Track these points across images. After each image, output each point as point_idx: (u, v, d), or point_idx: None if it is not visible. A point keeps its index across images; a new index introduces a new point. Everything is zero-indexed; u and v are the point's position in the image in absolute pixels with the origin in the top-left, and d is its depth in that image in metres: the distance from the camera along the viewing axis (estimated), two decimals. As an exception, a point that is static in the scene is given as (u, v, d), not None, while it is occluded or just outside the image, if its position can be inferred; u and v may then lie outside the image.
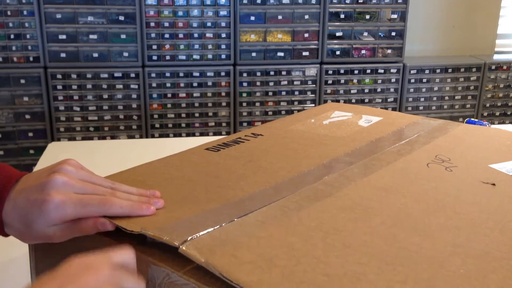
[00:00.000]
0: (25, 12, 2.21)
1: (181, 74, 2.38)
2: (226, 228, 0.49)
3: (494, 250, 0.46)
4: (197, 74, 2.39)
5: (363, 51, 2.53)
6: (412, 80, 2.61)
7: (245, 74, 2.44)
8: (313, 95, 2.52)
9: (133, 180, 0.61)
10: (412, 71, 2.60)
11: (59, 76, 2.28)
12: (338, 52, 2.51)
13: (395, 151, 0.71)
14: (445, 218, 0.52)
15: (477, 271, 0.43)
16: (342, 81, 2.53)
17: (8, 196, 0.53)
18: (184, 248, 0.45)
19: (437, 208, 0.54)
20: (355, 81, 2.55)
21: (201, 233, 0.47)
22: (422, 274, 0.42)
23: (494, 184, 0.61)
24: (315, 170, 0.64)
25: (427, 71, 2.61)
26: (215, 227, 0.48)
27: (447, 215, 0.53)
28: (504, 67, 2.70)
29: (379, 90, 2.58)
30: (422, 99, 2.64)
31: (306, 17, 2.42)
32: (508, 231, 0.50)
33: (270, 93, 2.48)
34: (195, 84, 2.40)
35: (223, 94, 2.44)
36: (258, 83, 2.46)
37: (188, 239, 0.46)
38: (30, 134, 2.31)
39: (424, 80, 2.62)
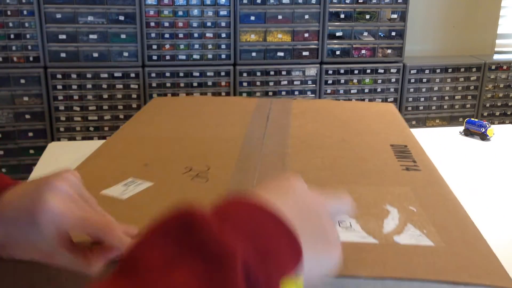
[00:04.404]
0: (25, 12, 2.21)
1: (181, 74, 2.38)
2: None
3: None
4: (197, 74, 2.39)
5: (363, 51, 2.53)
6: (412, 80, 2.61)
7: (245, 74, 2.43)
8: (313, 95, 2.52)
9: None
10: (412, 71, 2.59)
11: (59, 76, 2.28)
12: (338, 52, 2.51)
13: None
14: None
15: None
16: (342, 81, 2.53)
17: None
18: None
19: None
20: (355, 81, 2.55)
21: None
22: None
23: None
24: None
25: (427, 71, 2.61)
26: None
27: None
28: (504, 67, 2.70)
29: (379, 90, 2.58)
30: (422, 99, 2.64)
31: (306, 17, 2.42)
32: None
33: (270, 93, 2.48)
34: (195, 84, 2.40)
35: (223, 94, 2.44)
36: (258, 83, 2.46)
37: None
38: (30, 134, 2.31)
39: (424, 80, 2.62)
